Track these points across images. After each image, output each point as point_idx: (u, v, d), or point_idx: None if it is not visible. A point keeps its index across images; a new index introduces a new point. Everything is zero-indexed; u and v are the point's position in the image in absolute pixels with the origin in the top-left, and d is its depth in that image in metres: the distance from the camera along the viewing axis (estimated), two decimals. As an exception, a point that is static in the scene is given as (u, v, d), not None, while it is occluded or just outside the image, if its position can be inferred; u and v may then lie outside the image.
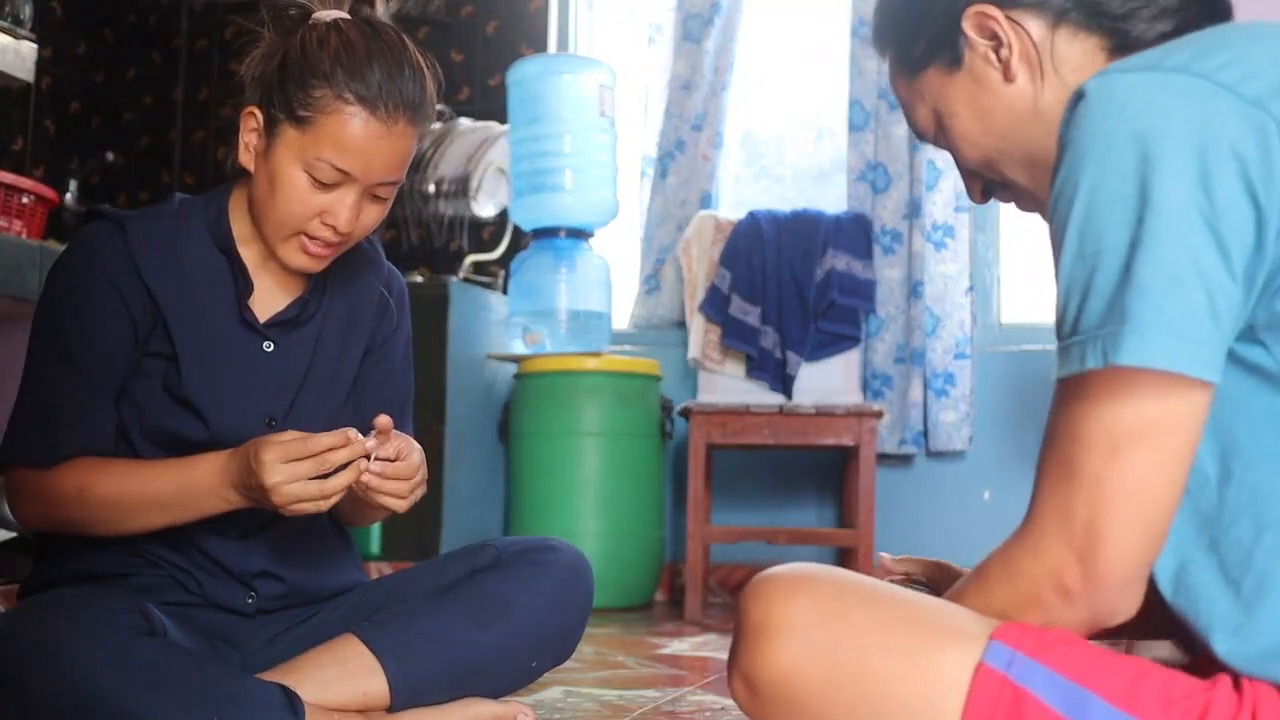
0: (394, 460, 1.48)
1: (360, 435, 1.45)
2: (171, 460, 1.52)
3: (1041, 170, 1.09)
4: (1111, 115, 0.91)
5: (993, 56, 1.10)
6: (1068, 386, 0.93)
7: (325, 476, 1.43)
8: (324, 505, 1.44)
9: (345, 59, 1.49)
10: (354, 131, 1.49)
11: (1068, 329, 0.92)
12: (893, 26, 1.18)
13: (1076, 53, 1.07)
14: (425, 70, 1.56)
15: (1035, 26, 1.08)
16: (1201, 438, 0.92)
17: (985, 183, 1.19)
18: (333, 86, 1.49)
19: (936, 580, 1.30)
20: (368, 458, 1.46)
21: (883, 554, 1.33)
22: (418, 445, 1.54)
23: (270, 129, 1.52)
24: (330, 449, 1.42)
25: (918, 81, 1.16)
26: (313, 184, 1.51)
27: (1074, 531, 0.92)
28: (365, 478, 1.45)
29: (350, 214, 1.53)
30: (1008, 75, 1.09)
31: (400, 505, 1.51)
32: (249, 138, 1.55)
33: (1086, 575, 0.92)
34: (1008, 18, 1.08)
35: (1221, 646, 0.92)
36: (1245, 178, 0.88)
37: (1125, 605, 0.93)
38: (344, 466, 1.44)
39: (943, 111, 1.14)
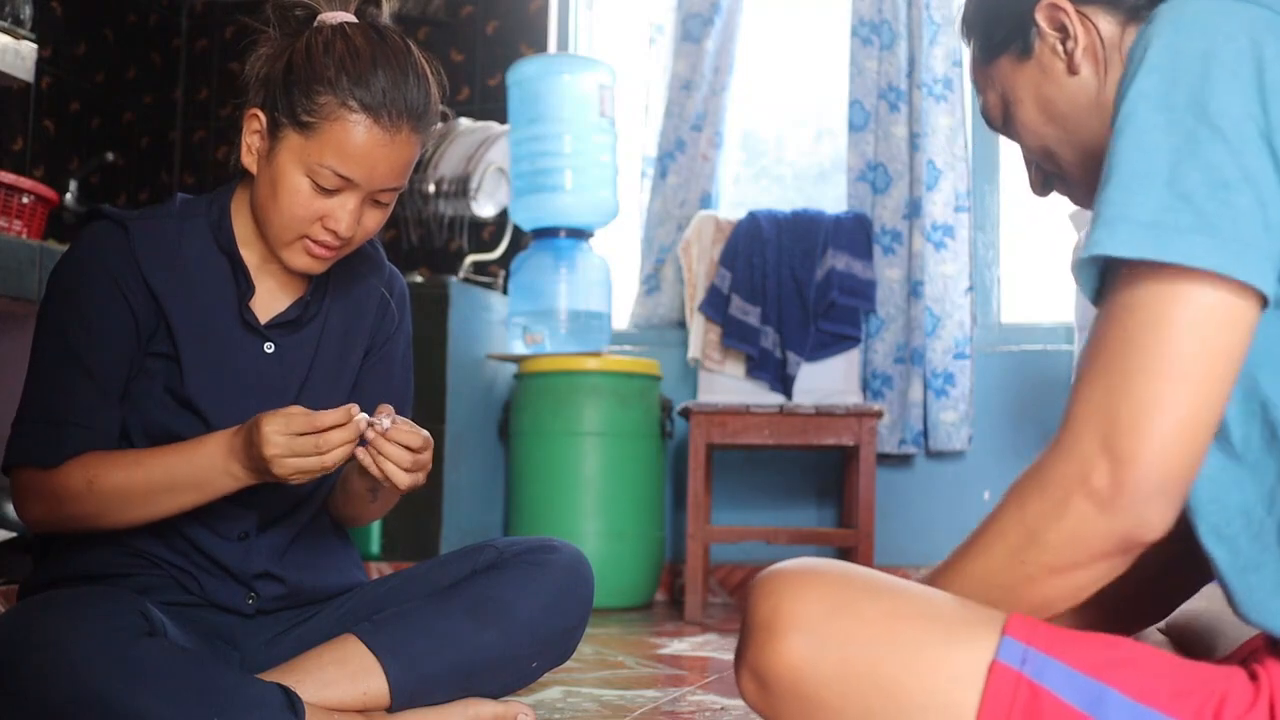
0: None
1: (386, 413, 1.46)
2: (178, 444, 1.52)
3: (1095, 163, 1.11)
4: (1177, 32, 0.94)
5: (1060, 48, 1.14)
6: (1114, 281, 0.92)
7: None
8: (326, 469, 1.44)
9: (350, 66, 1.49)
10: (357, 139, 1.49)
11: (1112, 211, 0.92)
12: (977, 13, 1.22)
13: None
14: (430, 77, 1.56)
15: (1105, 23, 1.12)
16: (1247, 347, 0.90)
17: (1047, 174, 1.23)
18: (337, 93, 1.49)
19: None
20: (363, 442, 1.46)
21: None
22: (426, 431, 1.53)
23: (273, 132, 1.52)
24: (333, 426, 1.42)
25: (991, 68, 1.20)
26: (315, 189, 1.51)
27: (1112, 428, 0.90)
28: (369, 434, 1.45)
29: (351, 219, 1.53)
30: (1072, 67, 1.13)
31: (403, 478, 1.48)
32: (252, 140, 1.55)
33: (1117, 476, 0.89)
34: (1078, 12, 1.12)
35: (1240, 586, 0.92)
36: None
37: (1156, 519, 0.90)
38: None
39: (1010, 99, 1.19)
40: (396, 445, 1.47)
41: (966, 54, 1.28)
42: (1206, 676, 0.92)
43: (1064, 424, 0.94)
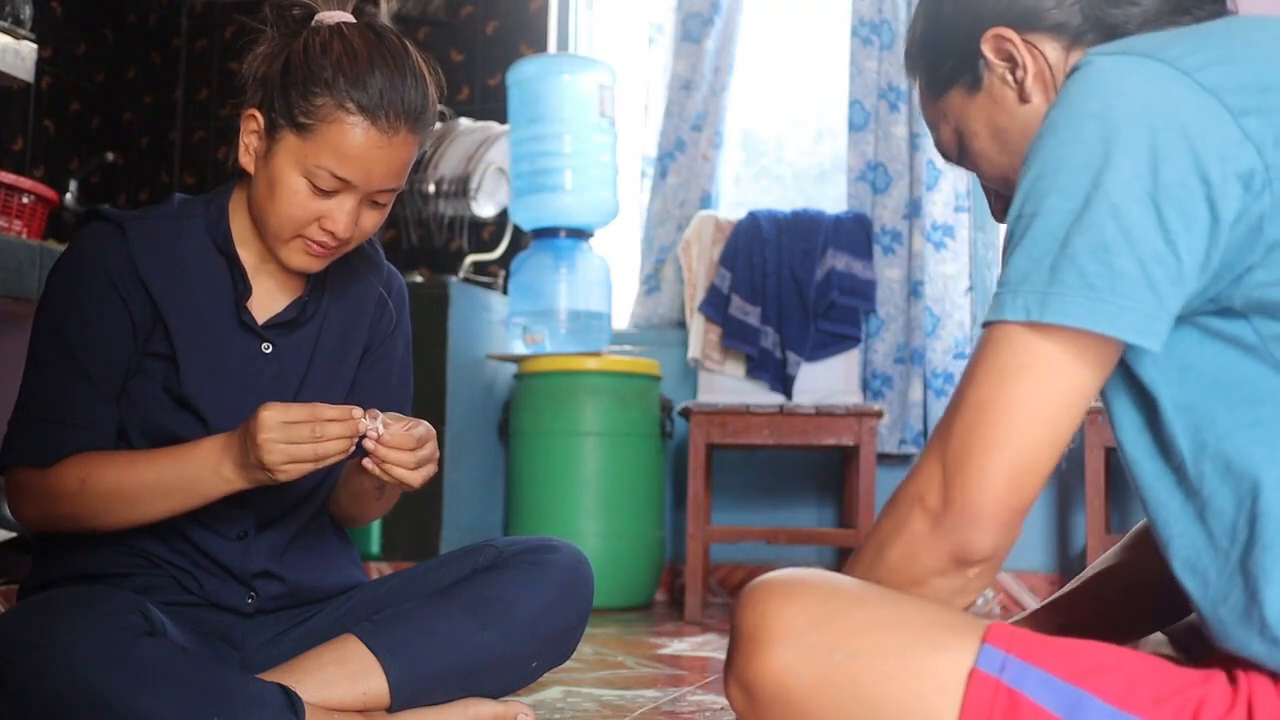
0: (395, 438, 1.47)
1: (363, 414, 1.44)
2: (173, 447, 1.52)
3: None
4: (1080, 93, 0.96)
5: (1009, 78, 1.14)
6: (986, 329, 0.98)
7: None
8: (319, 460, 1.42)
9: (348, 67, 1.49)
10: (355, 141, 1.49)
11: (999, 281, 0.97)
12: (921, 49, 1.22)
13: None
14: (428, 77, 1.56)
15: (1051, 49, 1.12)
16: (1094, 396, 0.95)
17: (1007, 201, 1.22)
18: (334, 95, 1.48)
19: None
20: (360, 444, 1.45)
21: None
22: (425, 422, 1.52)
23: (271, 133, 1.52)
24: (331, 420, 1.41)
25: (942, 102, 1.20)
26: (312, 190, 1.51)
27: (946, 452, 0.97)
28: (367, 444, 1.44)
29: (349, 220, 1.53)
30: (1023, 96, 1.13)
31: (411, 477, 1.48)
32: (249, 140, 1.55)
33: (946, 497, 0.97)
34: (1024, 40, 1.12)
35: (1207, 610, 0.94)
36: (1194, 156, 0.91)
37: (985, 541, 0.96)
38: None
39: (964, 131, 1.19)
40: (395, 450, 1.46)
41: (914, 90, 1.29)
42: (1185, 681, 0.92)
43: (927, 445, 1.01)
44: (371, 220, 1.57)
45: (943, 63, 1.18)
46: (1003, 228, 3.84)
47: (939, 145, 1.24)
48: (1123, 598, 1.33)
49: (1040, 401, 0.94)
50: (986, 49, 1.13)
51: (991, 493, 0.95)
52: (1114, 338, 0.92)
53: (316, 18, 1.55)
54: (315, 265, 1.58)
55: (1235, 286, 0.93)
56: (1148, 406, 0.98)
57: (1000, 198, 1.23)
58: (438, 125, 3.97)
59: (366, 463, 1.46)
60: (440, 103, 1.60)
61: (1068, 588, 1.38)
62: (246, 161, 1.56)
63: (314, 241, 1.55)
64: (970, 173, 1.33)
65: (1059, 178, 0.94)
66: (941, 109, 1.21)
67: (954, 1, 1.17)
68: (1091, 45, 1.10)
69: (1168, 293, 0.92)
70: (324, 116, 1.49)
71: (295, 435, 1.40)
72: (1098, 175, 0.92)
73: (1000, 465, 0.95)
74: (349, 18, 1.56)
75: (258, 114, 1.54)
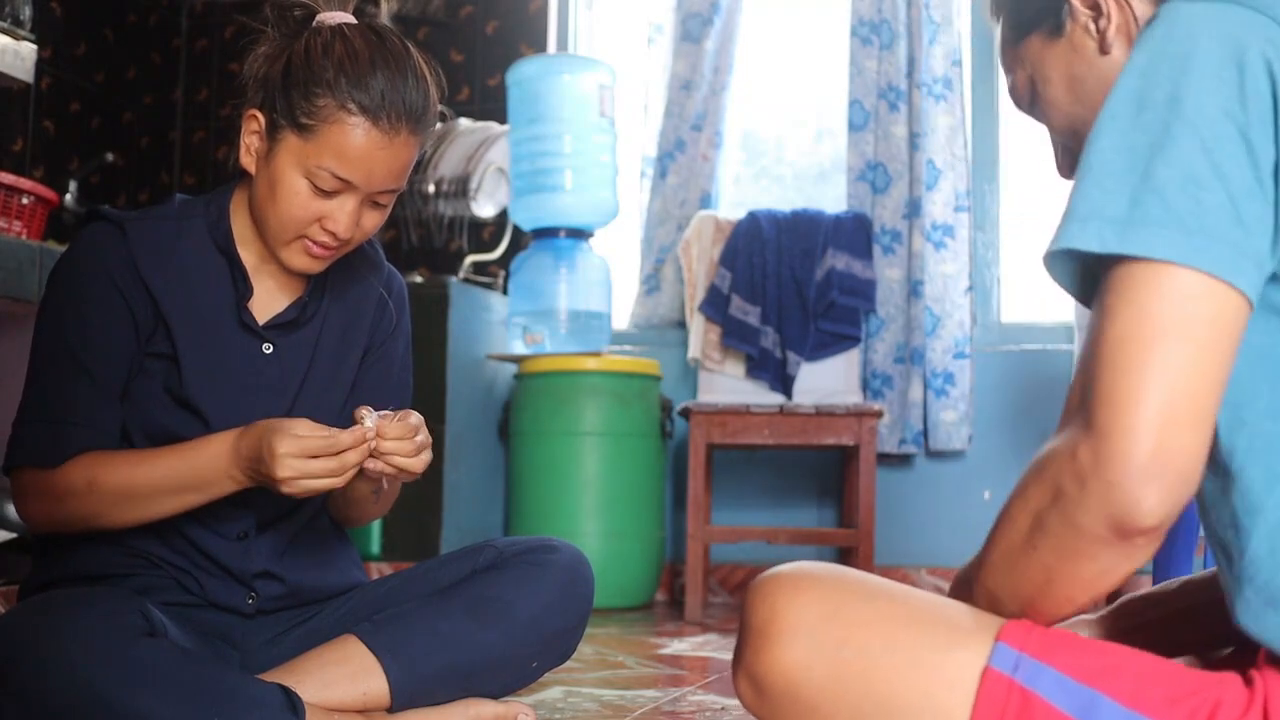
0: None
1: (370, 416, 1.45)
2: (180, 445, 1.52)
3: None
4: (1161, 36, 0.93)
5: (1092, 27, 1.12)
6: (1103, 278, 0.91)
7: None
8: (339, 487, 1.45)
9: (349, 68, 1.49)
10: (356, 141, 1.49)
11: (1085, 206, 0.92)
12: None
13: None
14: (429, 78, 1.56)
15: (1140, 2, 1.10)
16: (1239, 340, 0.89)
17: (1074, 154, 1.21)
18: (336, 96, 1.48)
19: None
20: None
21: None
22: (412, 411, 1.53)
23: (272, 134, 1.52)
24: (349, 448, 1.43)
25: (1020, 48, 1.18)
26: (313, 191, 1.51)
27: (1089, 398, 0.88)
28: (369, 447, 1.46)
29: (350, 220, 1.53)
30: (1103, 46, 1.12)
31: (414, 464, 1.49)
32: (250, 140, 1.55)
33: (1098, 451, 0.87)
34: None
35: (1229, 589, 0.92)
36: (1275, 95, 0.89)
37: (1150, 499, 0.86)
38: None
39: (1038, 78, 1.17)
40: (394, 440, 1.47)
41: (995, 33, 1.26)
42: (1201, 682, 0.91)
43: (1062, 414, 0.94)
44: (372, 221, 1.57)
45: (1027, 7, 1.17)
46: (1004, 227, 3.83)
47: (1012, 92, 1.23)
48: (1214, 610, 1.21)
49: (1190, 329, 0.86)
50: None
51: (1147, 435, 0.85)
52: (1215, 275, 0.86)
53: (317, 18, 1.55)
54: (316, 266, 1.58)
55: None
56: None
57: (1067, 150, 1.21)
58: (438, 126, 3.97)
59: (368, 464, 1.46)
60: (441, 103, 1.60)
61: (1158, 587, 1.26)
62: (248, 162, 1.56)
63: (315, 242, 1.55)
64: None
65: (1145, 114, 0.91)
66: (1019, 54, 1.19)
67: None
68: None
69: (1256, 229, 0.88)
70: (326, 117, 1.49)
71: (314, 469, 1.42)
72: (1185, 110, 0.89)
73: (1153, 401, 0.85)
74: (350, 18, 1.56)
75: (259, 114, 1.54)
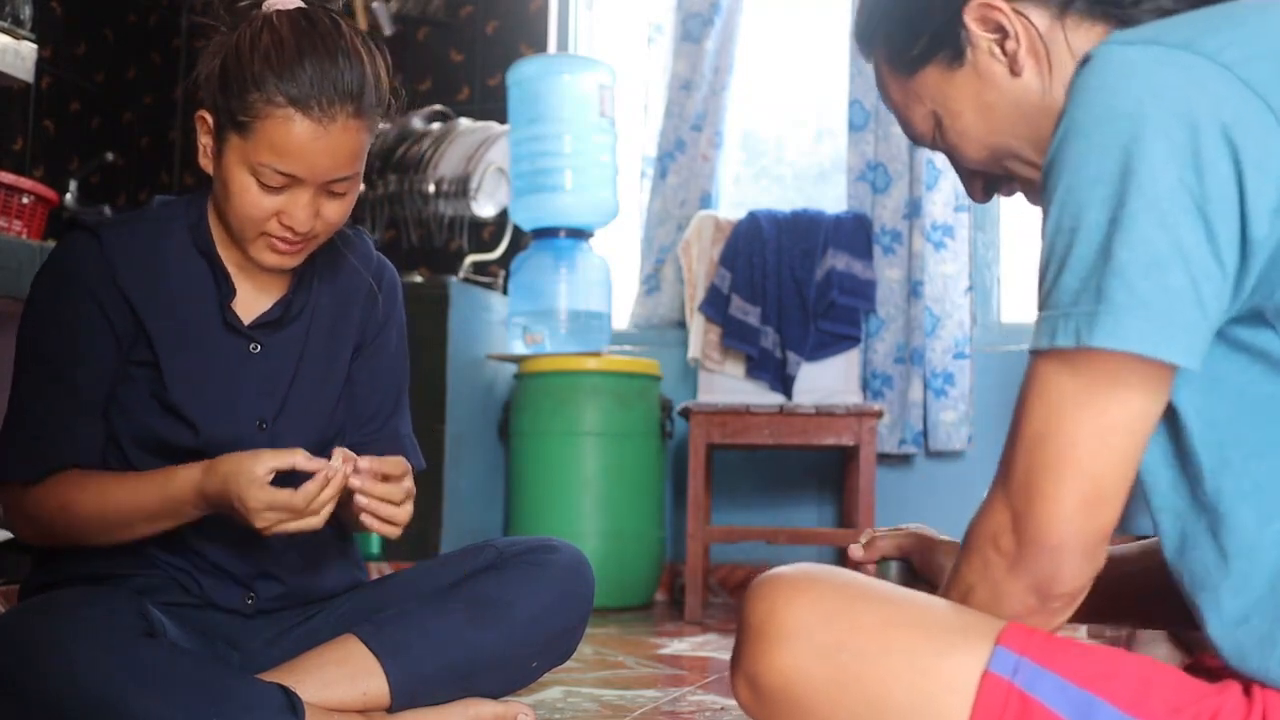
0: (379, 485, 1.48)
1: (340, 460, 1.44)
2: (151, 473, 1.51)
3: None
4: (1106, 89, 0.89)
5: (998, 50, 1.06)
6: (1035, 358, 0.93)
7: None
8: (317, 528, 1.45)
9: (275, 60, 1.46)
10: (291, 134, 1.45)
11: (1042, 303, 0.92)
12: (884, 26, 1.14)
13: (1083, 41, 1.04)
14: (364, 56, 1.50)
15: (1040, 17, 1.05)
16: (1159, 415, 0.90)
17: (987, 181, 1.16)
18: (263, 90, 1.45)
19: (913, 551, 1.31)
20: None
21: (852, 546, 1.32)
22: (406, 464, 1.53)
23: (219, 134, 1.51)
24: (316, 495, 1.42)
25: (913, 82, 1.12)
26: (262, 188, 1.49)
27: (1011, 490, 0.93)
28: (358, 499, 1.46)
29: (305, 214, 1.50)
30: (1015, 69, 1.06)
31: (402, 515, 1.50)
32: (205, 140, 1.53)
33: (1020, 536, 0.92)
34: (1013, 9, 1.05)
35: (1218, 632, 0.92)
36: (1235, 162, 0.86)
37: (1066, 573, 0.92)
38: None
39: (943, 111, 1.11)
40: (378, 501, 1.47)
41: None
42: (1200, 691, 0.91)
43: (991, 485, 0.97)
44: (335, 211, 1.53)
45: (916, 38, 1.09)
46: (1004, 227, 3.81)
47: (909, 129, 1.16)
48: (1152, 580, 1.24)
49: (1102, 430, 0.89)
50: (970, 20, 1.06)
51: (1065, 522, 0.90)
52: (1167, 362, 0.86)
53: (264, 6, 1.51)
54: (288, 261, 1.56)
55: (1269, 297, 0.88)
56: (1168, 415, 0.92)
57: (979, 177, 1.15)
58: (436, 125, 3.97)
59: (365, 519, 1.48)
60: (389, 80, 1.54)
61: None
62: (205, 163, 1.54)
63: (276, 238, 1.52)
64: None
65: (1098, 189, 0.87)
66: (913, 90, 1.12)
67: None
68: (1081, 12, 1.04)
69: (1212, 309, 0.87)
70: (257, 113, 1.46)
71: (284, 519, 1.42)
72: (1142, 184, 0.86)
73: (1070, 492, 0.89)
74: (286, 5, 1.51)
75: (206, 115, 1.52)
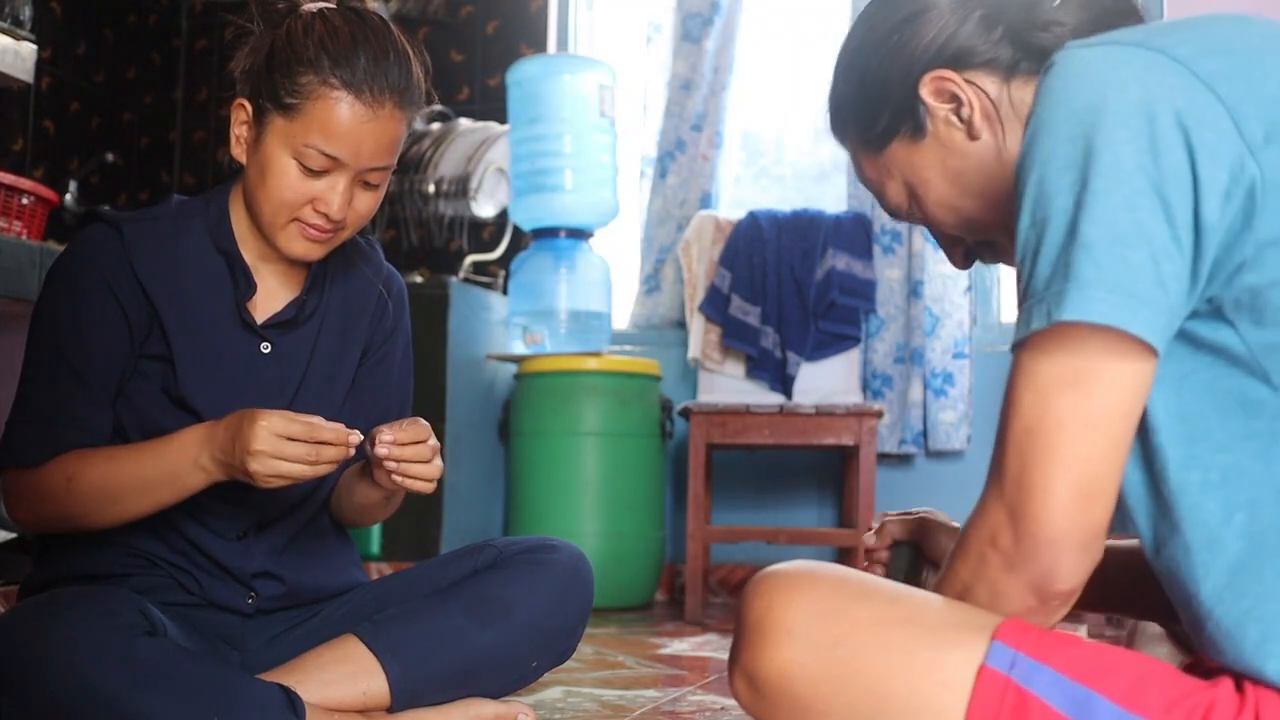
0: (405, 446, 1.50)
1: (359, 437, 1.45)
2: (155, 439, 1.51)
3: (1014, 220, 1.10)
4: (1068, 87, 0.94)
5: (954, 119, 1.13)
6: (1016, 351, 0.95)
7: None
8: (307, 479, 1.43)
9: (330, 45, 1.50)
10: (341, 116, 1.49)
11: (1021, 297, 0.94)
12: (850, 109, 1.20)
13: (1030, 97, 1.09)
14: (411, 55, 1.57)
15: (989, 83, 1.11)
16: (1143, 403, 0.92)
17: (967, 249, 1.22)
18: (318, 72, 1.49)
19: (919, 535, 1.30)
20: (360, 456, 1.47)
21: (865, 534, 1.34)
22: (424, 423, 1.54)
23: (259, 119, 1.53)
24: (328, 443, 1.42)
25: (883, 158, 1.18)
26: (302, 171, 1.51)
27: (1005, 488, 0.93)
28: (387, 464, 1.48)
29: (342, 200, 1.53)
30: (972, 133, 1.12)
31: (431, 470, 1.51)
32: (239, 130, 1.56)
33: (1016, 532, 0.93)
34: (964, 79, 1.11)
35: (1192, 626, 0.93)
36: (1189, 148, 0.89)
37: (1064, 568, 0.92)
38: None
39: (914, 181, 1.17)
40: (411, 447, 1.48)
41: (844, 155, 1.25)
42: (1194, 686, 0.92)
43: (984, 487, 0.98)
44: (365, 203, 1.56)
45: (878, 118, 1.16)
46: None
47: (887, 204, 1.21)
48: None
49: (1088, 416, 0.90)
50: (926, 93, 1.12)
51: (1061, 515, 0.91)
52: (1133, 334, 0.88)
53: (301, 8, 1.56)
54: (315, 251, 1.58)
55: (1226, 288, 0.91)
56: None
57: (958, 243, 1.21)
58: (436, 125, 3.97)
59: (391, 477, 1.49)
60: (427, 83, 1.60)
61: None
62: (238, 152, 1.57)
63: (309, 225, 1.54)
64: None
65: (1065, 176, 0.91)
66: (884, 165, 1.18)
67: (880, 56, 1.15)
68: (1027, 72, 1.10)
69: (1173, 289, 0.89)
70: (309, 94, 1.49)
71: (289, 452, 1.40)
72: (1104, 167, 0.89)
73: (1063, 484, 0.90)
74: (330, 4, 1.57)
75: (246, 103, 1.55)
